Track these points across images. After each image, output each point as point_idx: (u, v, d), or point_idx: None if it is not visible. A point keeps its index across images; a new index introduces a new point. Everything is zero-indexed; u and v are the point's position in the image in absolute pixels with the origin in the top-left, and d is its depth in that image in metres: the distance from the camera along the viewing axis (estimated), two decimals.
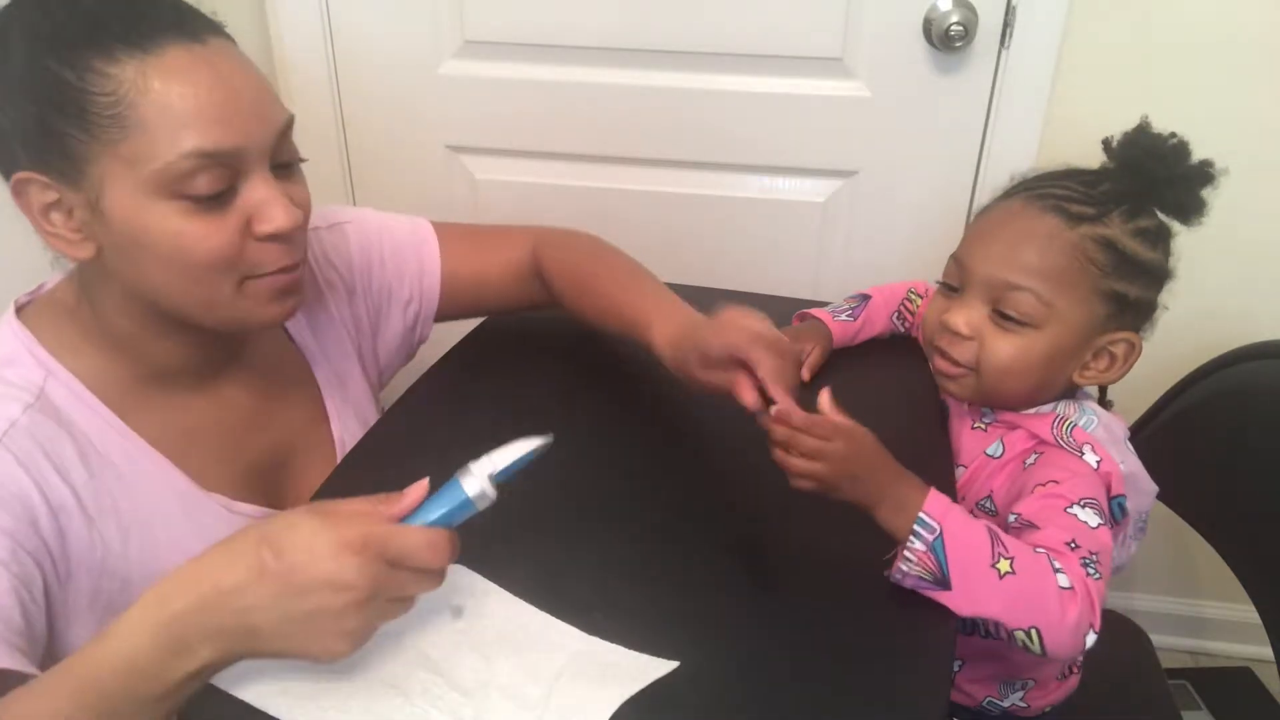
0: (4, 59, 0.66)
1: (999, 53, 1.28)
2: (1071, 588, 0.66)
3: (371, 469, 0.82)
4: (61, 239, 0.69)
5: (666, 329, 0.84)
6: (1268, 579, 1.03)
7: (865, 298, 1.06)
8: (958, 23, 1.24)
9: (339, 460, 0.89)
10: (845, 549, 0.76)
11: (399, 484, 0.59)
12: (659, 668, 0.61)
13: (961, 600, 0.66)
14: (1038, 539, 0.70)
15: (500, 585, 0.68)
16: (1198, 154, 0.79)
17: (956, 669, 0.92)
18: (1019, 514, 0.74)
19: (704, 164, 1.45)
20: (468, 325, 1.08)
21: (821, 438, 0.68)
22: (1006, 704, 0.92)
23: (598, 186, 1.48)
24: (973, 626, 0.85)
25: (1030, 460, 0.80)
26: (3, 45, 0.66)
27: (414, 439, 0.87)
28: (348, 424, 0.93)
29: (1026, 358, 0.80)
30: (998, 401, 0.87)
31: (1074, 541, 0.69)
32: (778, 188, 1.44)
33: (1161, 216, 0.81)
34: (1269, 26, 1.20)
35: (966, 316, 0.81)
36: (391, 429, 0.90)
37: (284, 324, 0.88)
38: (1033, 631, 0.67)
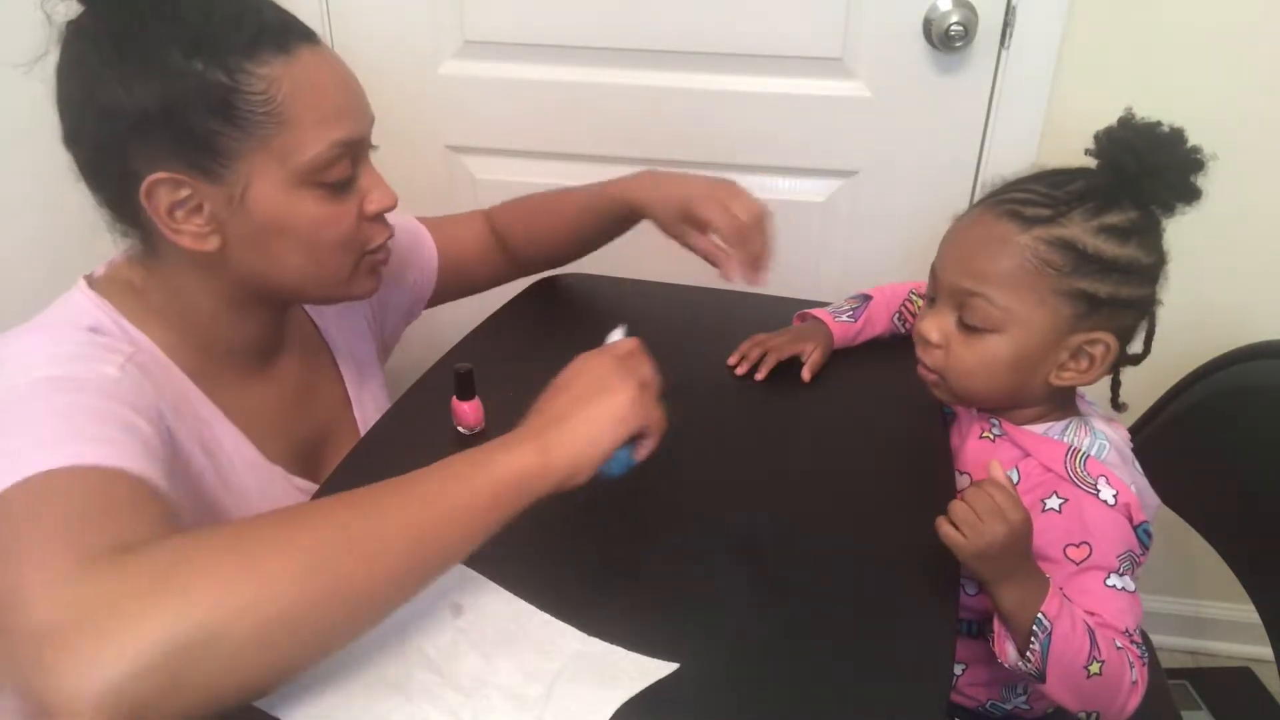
0: (145, 69, 0.68)
1: (999, 53, 1.28)
2: (1136, 682, 0.71)
3: (391, 449, 0.86)
4: (186, 234, 0.73)
5: (632, 186, 1.02)
6: (1268, 579, 1.03)
7: (866, 298, 1.06)
8: (958, 23, 1.24)
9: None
10: (845, 549, 0.76)
11: (417, 463, 0.62)
12: (658, 669, 0.61)
13: (1048, 689, 0.71)
14: (1097, 622, 0.72)
15: (500, 584, 0.68)
16: None
17: (960, 673, 0.92)
18: (1060, 588, 0.74)
19: (704, 164, 1.44)
20: (477, 316, 1.12)
21: (979, 514, 0.70)
22: (1009, 706, 0.92)
23: None
24: (979, 631, 0.85)
25: (1051, 504, 0.78)
26: (141, 57, 0.68)
27: (429, 422, 0.89)
28: (366, 407, 0.99)
29: (990, 362, 0.80)
30: (976, 404, 0.87)
31: (1128, 629, 0.72)
32: (778, 188, 1.44)
33: (1155, 209, 0.79)
34: (1269, 26, 1.20)
35: (938, 324, 0.82)
36: (407, 412, 0.92)
37: (310, 312, 0.96)
38: (1093, 715, 0.72)
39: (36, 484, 0.58)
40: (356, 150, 0.77)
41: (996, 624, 0.74)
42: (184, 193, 0.71)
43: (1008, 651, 0.73)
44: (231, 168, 0.71)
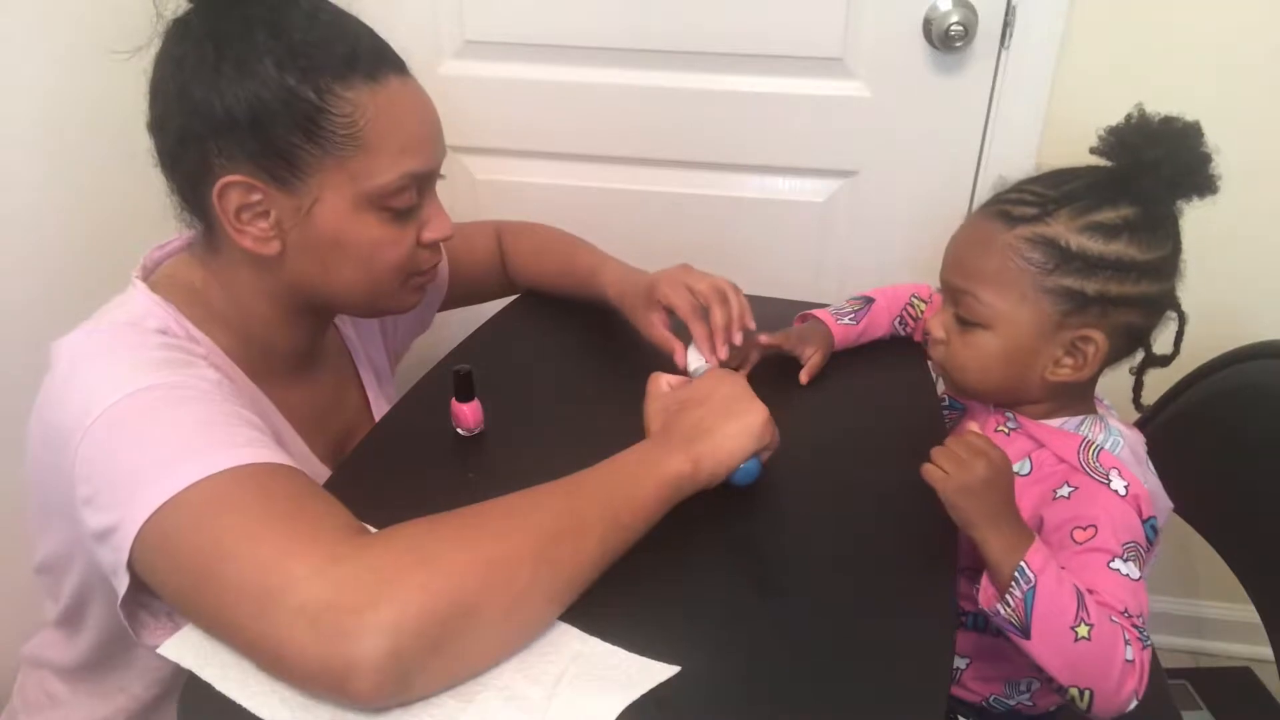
0: (239, 76, 0.71)
1: (999, 53, 1.28)
2: (1133, 661, 0.69)
3: (391, 449, 0.87)
4: (249, 236, 0.75)
5: (612, 275, 1.06)
6: (1268, 579, 1.03)
7: (868, 300, 1.06)
8: (958, 23, 1.24)
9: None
10: (845, 548, 0.76)
11: (417, 463, 0.69)
12: (660, 672, 0.61)
13: (1033, 648, 0.70)
14: (1096, 599, 0.71)
15: None
16: None
17: (964, 667, 0.92)
18: (1062, 568, 0.74)
19: (704, 164, 1.45)
20: (477, 318, 1.13)
21: (960, 454, 0.72)
22: (1012, 702, 0.93)
23: (598, 186, 1.48)
24: (984, 624, 0.85)
25: (1062, 492, 0.79)
26: (238, 63, 0.71)
27: (428, 423, 0.90)
28: (383, 411, 1.01)
29: (982, 356, 0.82)
30: (978, 398, 0.89)
31: (1127, 609, 0.72)
32: (778, 188, 1.44)
33: (1157, 205, 0.79)
34: (1269, 26, 1.20)
35: (941, 320, 0.85)
36: (407, 413, 0.93)
37: (335, 319, 0.98)
38: (1086, 693, 0.70)
39: (223, 482, 0.61)
40: (424, 181, 0.80)
41: (985, 575, 0.74)
42: (255, 197, 0.74)
43: (991, 599, 0.72)
44: (305, 181, 0.74)
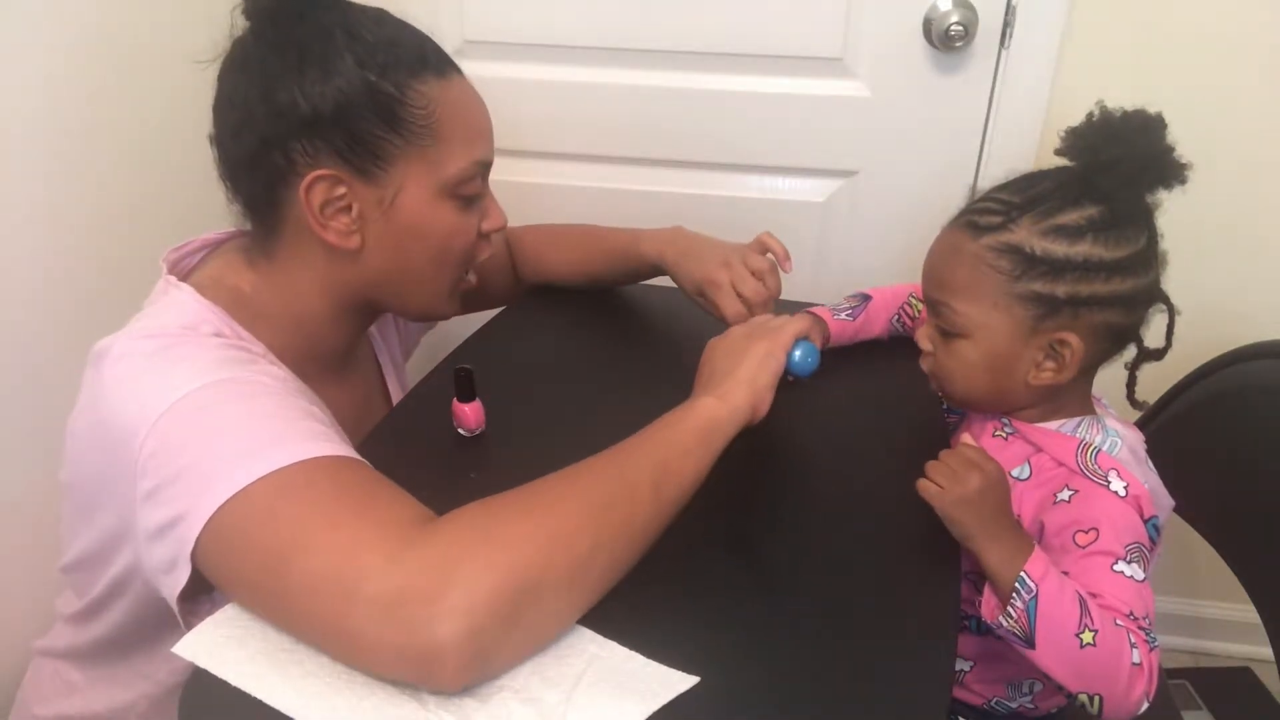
0: (324, 75, 0.75)
1: (999, 53, 1.28)
2: (1140, 664, 0.69)
3: (392, 449, 0.83)
4: (332, 230, 0.79)
5: (653, 241, 1.08)
6: (1268, 579, 1.03)
7: (865, 298, 1.06)
8: (958, 23, 1.24)
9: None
10: (848, 550, 0.76)
11: (419, 464, 0.70)
12: (679, 682, 0.60)
13: (1039, 657, 0.70)
14: (1099, 602, 0.71)
15: None
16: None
17: (967, 669, 0.92)
18: (1066, 573, 0.74)
19: (704, 164, 1.45)
20: (478, 319, 1.12)
21: (954, 468, 0.73)
22: (1015, 705, 0.93)
23: (598, 186, 1.48)
24: (987, 627, 0.86)
25: (1063, 495, 0.79)
26: (321, 65, 0.76)
27: (429, 423, 0.90)
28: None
29: (965, 365, 0.83)
30: (968, 406, 0.89)
31: (1132, 612, 0.72)
32: (778, 188, 1.45)
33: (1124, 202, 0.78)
34: (1269, 26, 1.20)
35: (926, 332, 0.87)
36: (408, 414, 0.94)
37: None
38: (1096, 698, 0.70)
39: (294, 475, 0.62)
40: (486, 171, 0.85)
41: (987, 588, 0.74)
42: (340, 190, 0.77)
43: (994, 611, 0.72)
44: (388, 171, 0.78)
